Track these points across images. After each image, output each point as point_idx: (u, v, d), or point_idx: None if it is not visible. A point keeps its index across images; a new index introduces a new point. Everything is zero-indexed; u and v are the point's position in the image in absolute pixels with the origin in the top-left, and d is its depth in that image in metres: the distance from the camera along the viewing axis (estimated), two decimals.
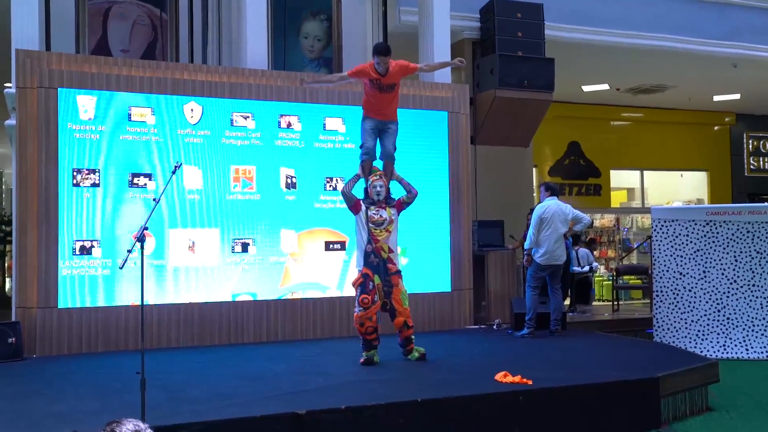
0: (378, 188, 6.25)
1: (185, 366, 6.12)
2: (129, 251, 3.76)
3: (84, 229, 7.01)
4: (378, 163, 6.48)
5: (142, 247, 3.80)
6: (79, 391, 5.09)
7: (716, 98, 14.37)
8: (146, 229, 3.82)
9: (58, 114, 6.95)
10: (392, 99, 6.40)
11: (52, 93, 6.93)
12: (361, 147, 6.40)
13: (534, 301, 7.74)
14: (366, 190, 6.35)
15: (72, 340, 6.87)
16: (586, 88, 13.32)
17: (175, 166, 4.26)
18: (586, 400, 5.15)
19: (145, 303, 6.88)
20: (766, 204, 9.52)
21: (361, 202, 6.28)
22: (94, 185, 7.07)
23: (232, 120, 7.66)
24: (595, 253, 14.35)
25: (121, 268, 3.75)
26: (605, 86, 13.28)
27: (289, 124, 7.90)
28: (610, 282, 12.39)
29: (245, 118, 7.71)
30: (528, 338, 7.58)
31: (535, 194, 12.38)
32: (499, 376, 5.29)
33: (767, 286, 8.42)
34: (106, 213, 7.09)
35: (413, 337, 6.23)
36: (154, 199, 4.06)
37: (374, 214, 6.18)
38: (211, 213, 7.50)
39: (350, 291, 7.79)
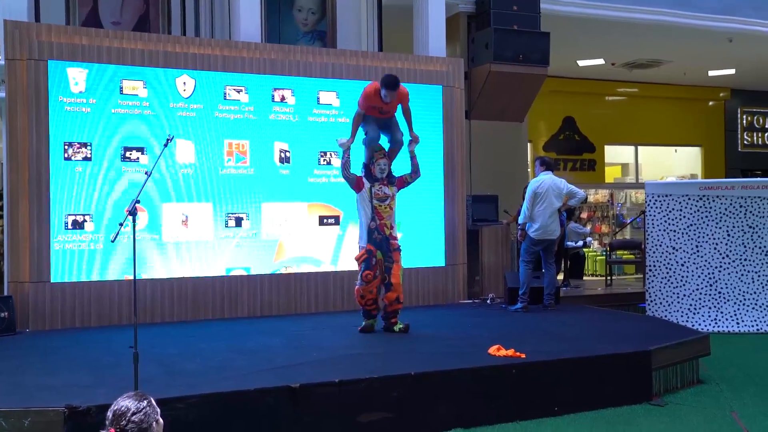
0: (382, 166, 6.30)
1: (179, 340, 6.13)
2: (120, 224, 3.73)
3: (76, 204, 6.97)
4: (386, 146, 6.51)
5: (134, 221, 3.77)
6: (73, 365, 5.09)
7: (711, 73, 14.31)
8: (138, 202, 3.79)
9: (48, 86, 6.87)
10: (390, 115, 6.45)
11: (41, 65, 6.84)
12: (364, 141, 6.37)
13: (528, 275, 7.76)
14: (367, 167, 6.36)
15: (65, 315, 6.86)
16: (581, 63, 13.24)
17: (167, 139, 4.22)
18: (578, 373, 5.19)
19: (138, 277, 6.91)
20: (759, 179, 9.54)
21: (363, 179, 6.29)
22: (86, 159, 7.02)
23: (225, 93, 7.59)
24: (588, 226, 14.40)
25: (112, 241, 3.73)
26: (600, 61, 13.20)
27: (282, 98, 7.84)
28: (604, 257, 12.42)
29: (238, 91, 7.64)
30: (521, 312, 7.62)
31: (530, 169, 12.38)
32: (492, 350, 5.31)
33: (758, 261, 8.47)
34: (98, 187, 7.04)
35: (399, 312, 6.37)
36: (146, 173, 4.02)
37: (378, 190, 6.27)
38: (204, 187, 7.47)
39: (344, 266, 7.85)
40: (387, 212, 6.27)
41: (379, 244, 6.22)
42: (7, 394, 4.27)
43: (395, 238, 6.34)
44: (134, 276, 3.85)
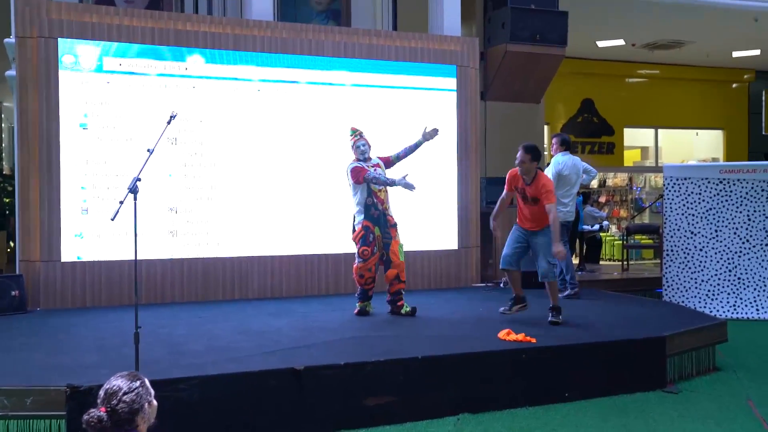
0: (362, 147, 6.21)
1: (187, 321, 6.09)
2: (121, 202, 3.67)
3: (86, 182, 6.94)
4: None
5: (135, 199, 3.71)
6: (80, 345, 5.07)
7: (735, 54, 13.99)
8: (139, 180, 3.73)
9: (58, 64, 6.82)
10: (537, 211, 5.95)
11: (51, 43, 6.79)
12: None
13: (570, 258, 7.44)
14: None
15: (76, 294, 6.85)
16: (600, 44, 12.99)
17: (171, 117, 4.16)
18: (590, 359, 5.09)
19: (149, 258, 6.89)
20: None
21: (363, 166, 6.18)
22: (96, 137, 6.98)
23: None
24: (605, 210, 14.22)
25: (112, 219, 3.66)
26: (621, 42, 12.94)
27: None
28: (621, 241, 12.25)
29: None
30: (573, 299, 7.25)
31: (546, 153, 12.19)
32: (502, 334, 5.23)
33: None
34: (108, 166, 6.99)
35: (403, 292, 6.27)
36: (148, 150, 3.96)
37: (375, 173, 6.14)
38: (216, 166, 7.40)
39: (354, 248, 7.74)
40: (383, 194, 6.20)
41: (377, 220, 6.14)
42: (11, 373, 4.25)
43: (391, 215, 6.25)
44: (135, 254, 3.79)
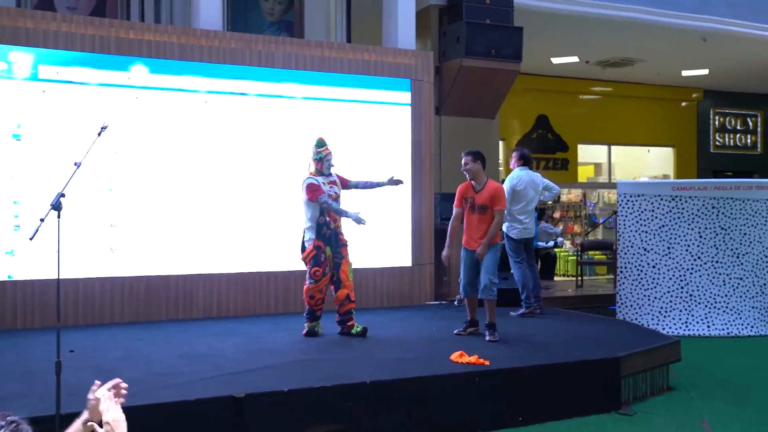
0: (331, 161, 6.07)
1: (125, 343, 5.76)
2: (41, 220, 3.38)
3: (19, 196, 6.56)
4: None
5: (58, 216, 3.43)
6: (1, 372, 4.70)
7: (685, 73, 14.20)
8: (63, 196, 3.44)
9: None
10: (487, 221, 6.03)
11: None
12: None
13: (527, 275, 7.33)
14: (316, 163, 6.06)
15: (5, 315, 6.44)
16: (555, 61, 13.04)
17: (101, 128, 3.88)
18: (545, 381, 4.95)
19: (88, 276, 6.55)
20: (731, 180, 9.40)
21: (318, 184, 5.98)
22: (30, 149, 6.61)
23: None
24: (560, 225, 14.24)
25: (30, 239, 3.37)
26: (575, 59, 13.01)
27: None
28: (575, 257, 12.24)
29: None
30: (528, 317, 7.16)
31: (501, 168, 12.16)
32: (455, 356, 5.05)
33: (730, 263, 8.31)
34: (42, 179, 6.62)
35: (353, 311, 6.12)
36: (75, 164, 3.67)
37: (330, 191, 5.97)
38: (161, 180, 7.09)
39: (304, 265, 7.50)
40: None
41: (328, 239, 5.97)
42: None
43: (343, 234, 6.10)
44: (58, 275, 3.50)
